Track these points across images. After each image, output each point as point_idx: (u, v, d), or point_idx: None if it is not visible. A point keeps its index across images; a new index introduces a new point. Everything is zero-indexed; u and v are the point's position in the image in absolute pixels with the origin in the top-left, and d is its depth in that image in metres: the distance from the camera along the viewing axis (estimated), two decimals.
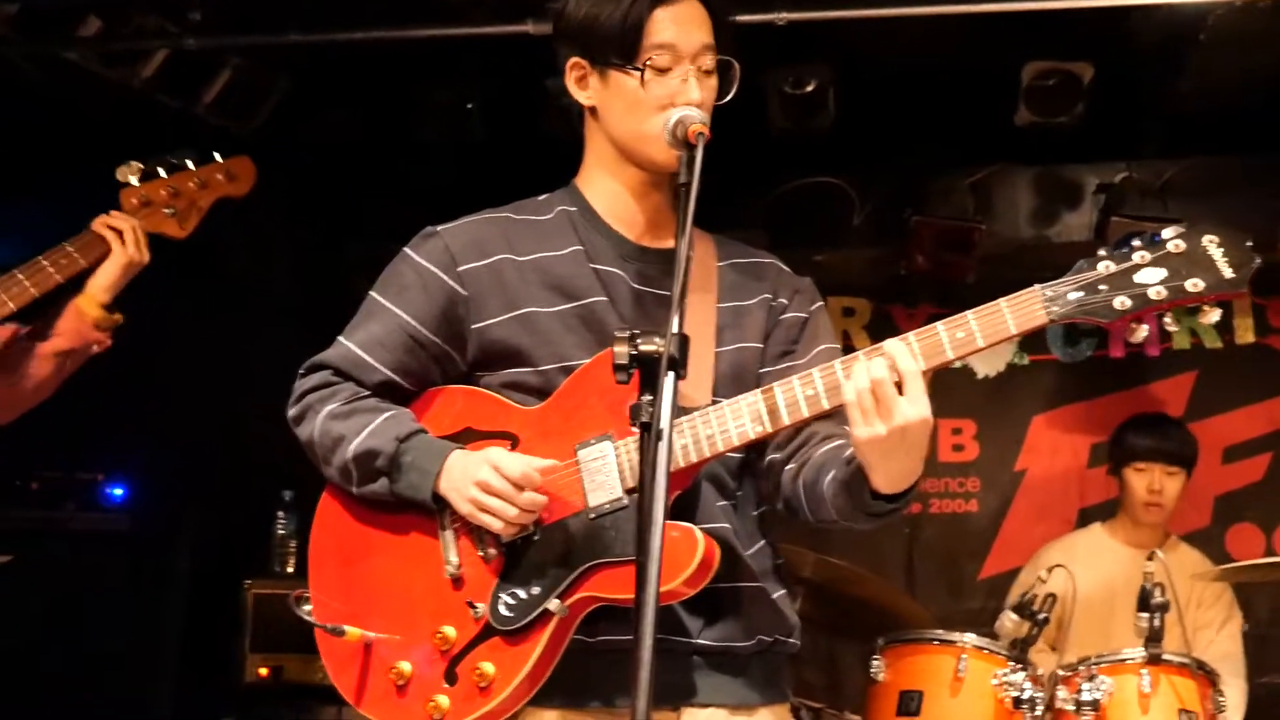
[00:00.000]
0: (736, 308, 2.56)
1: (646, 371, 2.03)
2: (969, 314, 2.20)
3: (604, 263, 2.52)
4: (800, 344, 2.57)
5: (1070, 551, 5.17)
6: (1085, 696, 4.01)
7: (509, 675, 2.35)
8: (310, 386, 2.56)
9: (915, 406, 2.16)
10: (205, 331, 6.02)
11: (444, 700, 2.38)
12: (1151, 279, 2.15)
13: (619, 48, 2.45)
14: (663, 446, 1.92)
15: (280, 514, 5.54)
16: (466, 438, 2.48)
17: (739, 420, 2.31)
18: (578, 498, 2.39)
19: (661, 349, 2.00)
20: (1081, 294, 2.16)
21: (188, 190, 3.69)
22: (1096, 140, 5.47)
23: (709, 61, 2.46)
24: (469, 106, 5.24)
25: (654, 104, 2.44)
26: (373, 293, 2.58)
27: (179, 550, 5.46)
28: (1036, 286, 2.18)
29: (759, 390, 2.33)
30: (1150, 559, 4.19)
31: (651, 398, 1.98)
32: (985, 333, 2.19)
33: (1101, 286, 2.16)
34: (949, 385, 6.05)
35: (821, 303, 2.66)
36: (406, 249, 2.58)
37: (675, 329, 2.01)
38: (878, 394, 2.17)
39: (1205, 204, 5.66)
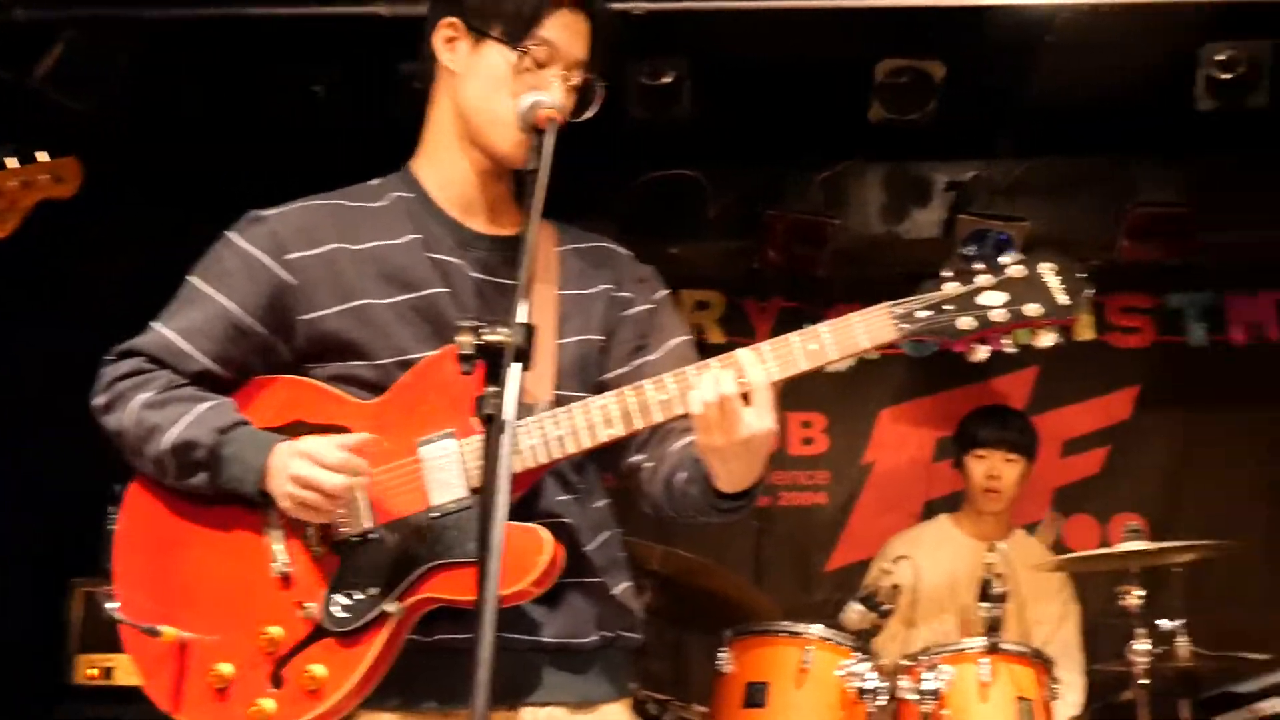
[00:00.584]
0: (578, 296, 2.52)
1: (491, 363, 1.98)
2: (821, 326, 2.27)
3: (442, 251, 2.45)
4: (650, 338, 2.56)
5: (916, 543, 5.26)
6: (926, 686, 4.08)
7: (341, 677, 2.27)
8: (121, 373, 2.44)
9: (760, 419, 2.21)
10: (31, 322, 5.80)
11: (269, 704, 2.28)
12: (993, 301, 2.26)
13: (509, 23, 2.42)
14: (506, 439, 1.87)
15: (110, 509, 5.33)
16: (296, 430, 2.38)
17: (591, 421, 2.29)
18: (418, 496, 2.33)
19: (507, 339, 1.96)
20: (929, 313, 2.26)
21: (9, 190, 3.46)
22: (947, 139, 5.55)
23: (578, 77, 2.46)
24: (315, 88, 5.10)
25: (516, 89, 2.41)
26: (192, 277, 2.46)
27: (3, 548, 5.23)
28: (886, 304, 2.28)
29: (612, 391, 2.32)
30: (991, 550, 4.27)
31: (497, 389, 1.93)
32: (838, 345, 2.26)
33: (947, 306, 2.27)
34: (800, 379, 6.07)
35: (666, 291, 2.65)
36: (229, 233, 2.47)
37: (522, 318, 1.97)
38: (724, 407, 2.20)
39: (1051, 203, 5.81)
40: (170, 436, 2.34)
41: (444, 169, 2.51)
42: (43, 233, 3.76)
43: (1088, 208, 5.83)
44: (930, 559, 5.15)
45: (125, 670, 4.95)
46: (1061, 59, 4.95)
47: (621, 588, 2.51)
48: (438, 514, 2.31)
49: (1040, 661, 4.21)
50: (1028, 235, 5.51)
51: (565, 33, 2.43)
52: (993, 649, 4.15)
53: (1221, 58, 4.90)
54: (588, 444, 2.30)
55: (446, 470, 2.31)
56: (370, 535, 2.33)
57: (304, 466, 2.25)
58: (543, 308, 2.43)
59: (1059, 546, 5.73)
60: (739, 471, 2.28)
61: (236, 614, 2.34)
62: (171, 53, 4.97)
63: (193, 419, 2.34)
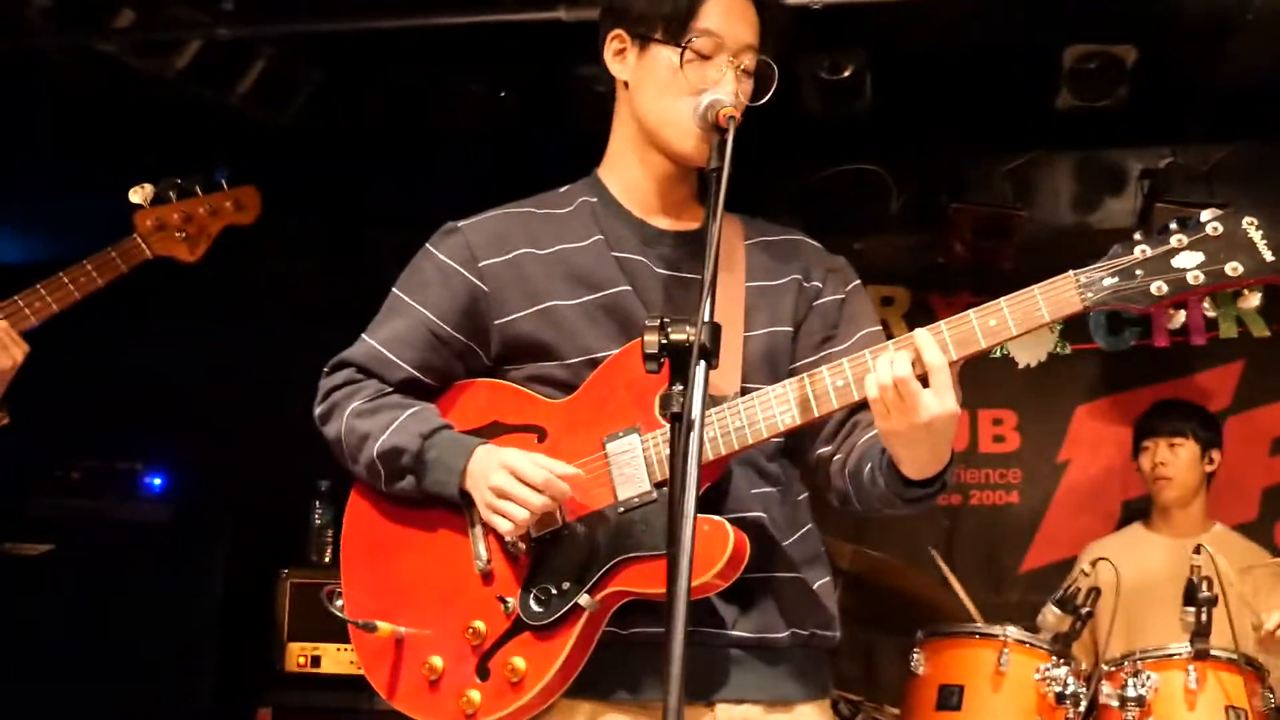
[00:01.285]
0: (765, 288, 2.51)
1: (676, 360, 1.99)
2: (1002, 301, 2.16)
3: (626, 250, 2.49)
4: (840, 328, 2.53)
5: (1113, 546, 5.11)
6: (1130, 692, 3.95)
7: (541, 670, 2.34)
8: (335, 384, 2.56)
9: (940, 400, 2.15)
10: (242, 326, 6.07)
11: (476, 695, 2.37)
12: (1189, 263, 2.10)
13: (666, 24, 2.43)
14: (694, 437, 1.88)
15: (317, 503, 5.55)
16: (494, 431, 2.47)
17: (768, 412, 2.27)
18: (606, 491, 2.37)
19: (692, 337, 1.96)
20: (1117, 279, 2.12)
21: (199, 216, 3.85)
22: (1140, 124, 5.39)
23: (749, 61, 2.45)
24: (502, 95, 5.21)
25: (687, 88, 2.41)
26: (395, 289, 2.57)
27: (217, 539, 5.48)
28: (1070, 272, 2.14)
29: (789, 380, 2.29)
30: (1197, 551, 4.11)
31: (682, 387, 1.94)
32: (1018, 320, 2.14)
33: (1138, 271, 2.11)
34: (990, 375, 5.98)
35: (858, 281, 2.61)
36: (428, 245, 2.57)
37: (706, 316, 1.97)
38: (900, 390, 2.14)
39: (1252, 188, 5.56)
40: (379, 443, 2.45)
41: (628, 173, 2.55)
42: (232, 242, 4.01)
43: None
44: (1129, 561, 4.98)
45: (332, 658, 5.15)
46: (1257, 39, 4.75)
47: (820, 584, 2.49)
48: (624, 508, 2.35)
49: (1252, 669, 4.04)
50: None
51: (727, 19, 2.42)
52: (1200, 655, 3.99)
53: None
54: (765, 434, 2.28)
55: (632, 465, 2.34)
56: (563, 532, 2.39)
57: (505, 479, 2.34)
58: (729, 301, 2.43)
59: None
60: (924, 456, 2.23)
61: (445, 609, 2.44)
62: (359, 65, 5.13)
63: (398, 426, 2.45)
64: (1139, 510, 5.61)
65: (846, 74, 5.06)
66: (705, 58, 2.42)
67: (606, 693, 2.39)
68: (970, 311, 2.18)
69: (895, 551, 4.80)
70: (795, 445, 2.53)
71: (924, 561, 5.73)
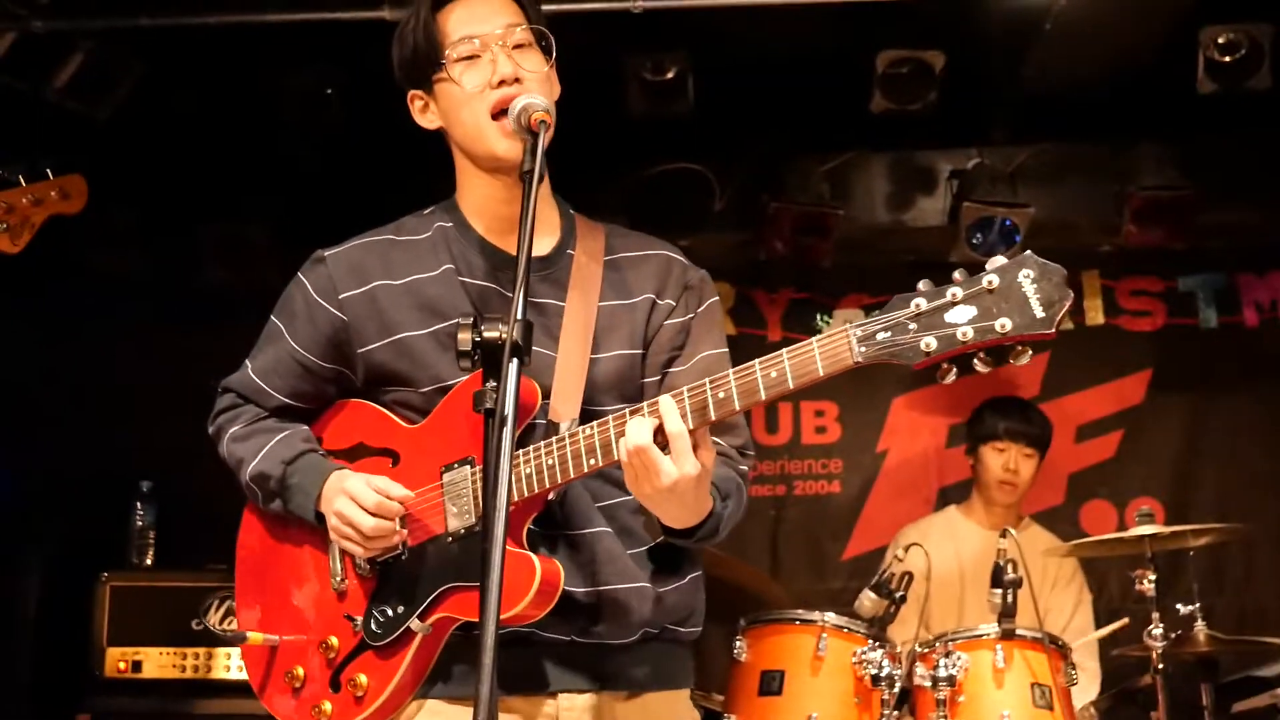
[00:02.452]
0: (617, 308, 2.55)
1: (490, 359, 2.02)
2: (784, 352, 2.16)
3: (476, 277, 2.53)
4: (684, 349, 2.57)
5: (927, 532, 5.29)
6: (941, 672, 4.10)
7: (380, 687, 2.45)
8: (221, 408, 2.71)
9: (680, 466, 2.20)
10: (58, 322, 5.88)
11: (328, 706, 2.51)
12: (961, 318, 2.05)
13: (427, 60, 2.52)
14: (507, 433, 1.91)
15: (138, 505, 5.43)
16: (359, 453, 2.58)
17: (576, 451, 2.31)
18: (439, 521, 2.43)
19: (504, 334, 2.00)
20: (889, 334, 2.08)
21: (21, 206, 3.79)
22: (949, 127, 5.58)
23: (519, 35, 2.51)
24: (328, 92, 5.16)
25: (474, 92, 2.47)
26: (273, 316, 2.66)
27: (34, 544, 5.32)
28: (847, 326, 2.12)
29: (595, 423, 2.32)
30: (1003, 536, 4.29)
31: (495, 384, 1.97)
32: (795, 374, 2.14)
33: (911, 325, 2.08)
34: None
35: (714, 299, 2.65)
36: (299, 273, 2.63)
37: (519, 314, 2.01)
38: (642, 458, 2.20)
39: (1054, 188, 5.81)
40: (250, 468, 2.59)
41: (475, 196, 2.59)
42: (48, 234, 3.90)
43: (1091, 192, 5.84)
44: (942, 546, 5.18)
45: (153, 662, 5.04)
46: (1060, 45, 4.96)
47: (676, 585, 2.53)
48: (452, 538, 2.41)
49: (1055, 647, 4.22)
50: (1031, 221, 5.53)
51: (472, 17, 2.50)
52: (1007, 635, 4.16)
53: (1222, 40, 4.91)
54: (574, 474, 2.32)
55: (463, 496, 2.40)
56: (401, 557, 2.47)
57: (344, 504, 2.43)
58: (579, 324, 2.49)
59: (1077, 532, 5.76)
60: (675, 513, 2.32)
61: (309, 623, 2.59)
62: (180, 61, 5.03)
63: (266, 451, 2.58)
64: (955, 496, 5.81)
65: (670, 75, 5.14)
66: (472, 58, 2.49)
67: (450, 689, 2.44)
68: (755, 362, 2.18)
69: (722, 542, 4.88)
70: None
71: (751, 552, 5.87)
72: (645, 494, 2.26)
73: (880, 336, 2.09)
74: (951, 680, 4.11)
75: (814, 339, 2.14)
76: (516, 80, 2.44)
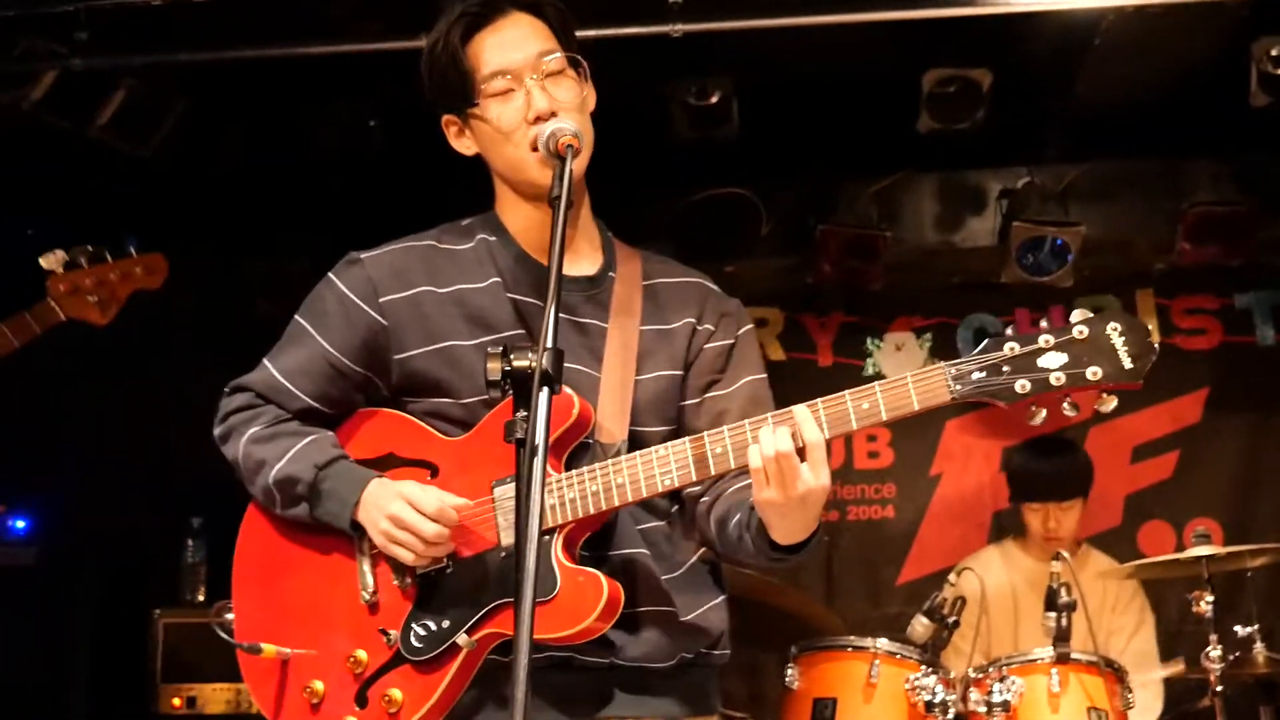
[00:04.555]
0: (659, 332, 2.55)
1: (520, 387, 2.02)
2: (877, 385, 2.26)
3: (522, 293, 2.52)
4: (726, 373, 2.58)
5: (982, 561, 5.23)
6: (996, 698, 4.07)
7: (417, 703, 2.40)
8: (235, 407, 2.59)
9: (816, 475, 2.24)
10: (107, 358, 5.94)
11: None
12: (1053, 364, 2.19)
13: (460, 93, 2.50)
14: (537, 462, 1.90)
15: (189, 541, 5.47)
16: (389, 463, 2.52)
17: (649, 472, 2.33)
18: (492, 535, 2.41)
19: (534, 364, 1.99)
20: (984, 374, 2.21)
21: (109, 281, 4.09)
22: (998, 146, 5.53)
23: (552, 64, 2.48)
24: (371, 124, 5.20)
25: (511, 129, 2.46)
26: (298, 316, 2.60)
27: (86, 581, 5.36)
28: (943, 365, 2.24)
29: (671, 444, 2.35)
30: (1056, 559, 4.23)
31: (525, 414, 1.96)
32: (889, 407, 2.24)
33: (1005, 368, 2.21)
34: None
35: (750, 326, 2.67)
36: (330, 274, 2.59)
37: (549, 343, 2.00)
38: (781, 464, 2.22)
39: (1106, 207, 5.75)
40: (275, 471, 2.49)
41: (517, 218, 2.58)
42: None
43: (1143, 210, 5.76)
44: (996, 571, 5.12)
45: (208, 698, 5.06)
46: (1109, 61, 4.91)
47: (705, 609, 2.53)
48: (505, 553, 2.38)
49: (1111, 670, 4.16)
50: (1084, 240, 5.46)
51: (503, 49, 2.47)
52: (1061, 659, 4.11)
53: (1275, 52, 4.83)
54: (645, 494, 2.34)
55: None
56: (447, 570, 2.44)
57: (402, 509, 2.38)
58: (623, 346, 2.49)
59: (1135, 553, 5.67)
60: (794, 526, 2.32)
61: (330, 635, 2.50)
62: (222, 95, 5.08)
63: (294, 454, 2.49)
64: (1009, 520, 5.73)
65: (714, 99, 5.12)
66: (508, 93, 2.46)
67: (481, 714, 2.43)
68: (846, 393, 2.27)
69: (775, 570, 4.85)
70: None
71: (805, 578, 5.82)
72: (775, 501, 2.26)
73: (975, 376, 2.22)
74: (1006, 705, 4.07)
75: (909, 374, 2.25)
76: (553, 114, 2.42)
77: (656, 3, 4.43)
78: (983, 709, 4.09)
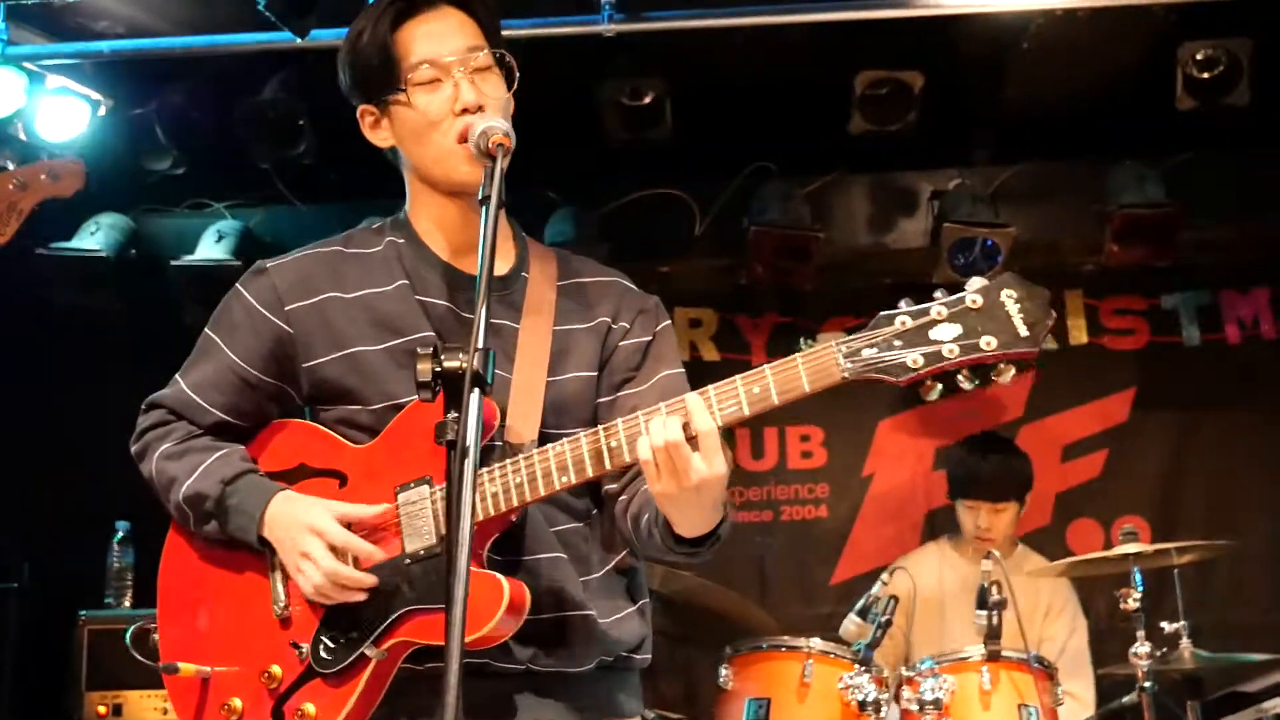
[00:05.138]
0: (571, 332, 2.52)
1: (451, 388, 1.99)
2: (767, 368, 2.17)
3: (431, 295, 2.48)
4: (641, 370, 2.54)
5: (913, 560, 5.26)
6: (928, 695, 4.09)
7: (330, 715, 2.36)
8: (148, 425, 2.58)
9: (710, 464, 2.17)
10: (29, 363, 5.85)
11: None
12: (946, 335, 2.10)
13: (383, 79, 2.46)
14: (469, 464, 1.87)
15: (115, 546, 5.37)
16: (300, 474, 2.49)
17: (546, 469, 2.28)
18: (396, 543, 2.36)
19: (464, 364, 1.96)
20: (875, 350, 2.12)
21: (5, 192, 3.47)
22: (929, 147, 5.56)
23: (481, 59, 2.46)
24: (300, 123, 5.16)
25: (435, 120, 2.43)
26: (207, 329, 2.57)
27: (9, 585, 5.26)
28: (833, 343, 2.14)
29: (568, 439, 2.30)
30: (987, 558, 4.26)
31: (457, 415, 1.94)
32: (780, 389, 2.15)
33: (896, 343, 2.11)
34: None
35: (667, 322, 2.63)
36: (238, 284, 2.55)
37: (479, 343, 1.98)
38: (671, 454, 2.16)
39: (1036, 208, 5.81)
40: (184, 488, 2.48)
41: (429, 217, 2.54)
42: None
43: (1072, 212, 5.83)
44: (928, 571, 5.15)
45: (134, 706, 4.96)
46: (1038, 64, 4.97)
47: (627, 611, 2.50)
48: (410, 560, 2.34)
49: (1042, 668, 4.21)
50: (1013, 241, 5.51)
51: (431, 39, 2.45)
52: (993, 657, 4.14)
53: (1200, 56, 4.90)
54: (544, 492, 2.28)
55: (420, 516, 2.34)
56: None
57: (314, 546, 2.35)
58: (534, 347, 2.45)
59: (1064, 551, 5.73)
60: (694, 517, 2.27)
61: (246, 652, 2.46)
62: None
63: (202, 470, 2.47)
64: (942, 519, 5.78)
65: (647, 100, 5.11)
66: (434, 82, 2.43)
67: None
68: (737, 377, 2.19)
69: (711, 568, 4.85)
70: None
71: (738, 578, 5.82)
72: (670, 493, 2.19)
73: (866, 353, 2.12)
74: (938, 703, 4.10)
75: (798, 355, 2.15)
76: (480, 108, 2.39)
77: (590, 2, 4.43)
78: (915, 707, 4.12)
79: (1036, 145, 5.69)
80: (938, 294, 2.13)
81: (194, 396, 2.53)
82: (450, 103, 2.41)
